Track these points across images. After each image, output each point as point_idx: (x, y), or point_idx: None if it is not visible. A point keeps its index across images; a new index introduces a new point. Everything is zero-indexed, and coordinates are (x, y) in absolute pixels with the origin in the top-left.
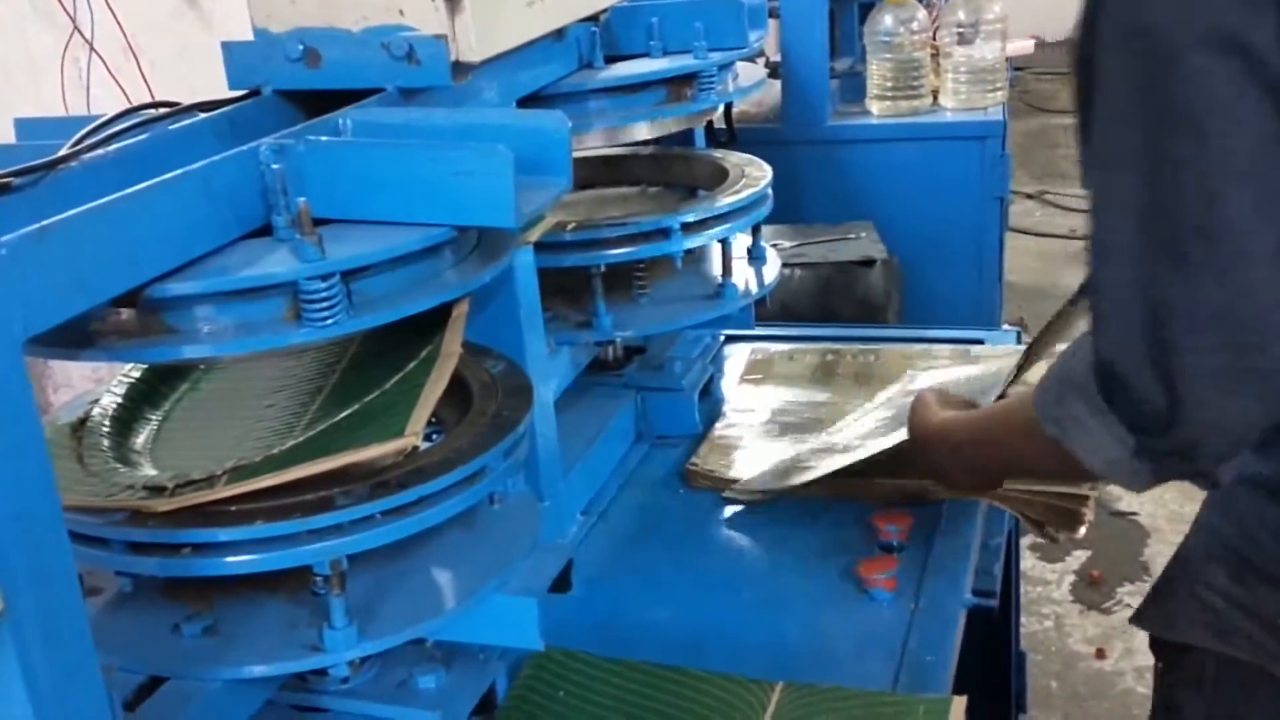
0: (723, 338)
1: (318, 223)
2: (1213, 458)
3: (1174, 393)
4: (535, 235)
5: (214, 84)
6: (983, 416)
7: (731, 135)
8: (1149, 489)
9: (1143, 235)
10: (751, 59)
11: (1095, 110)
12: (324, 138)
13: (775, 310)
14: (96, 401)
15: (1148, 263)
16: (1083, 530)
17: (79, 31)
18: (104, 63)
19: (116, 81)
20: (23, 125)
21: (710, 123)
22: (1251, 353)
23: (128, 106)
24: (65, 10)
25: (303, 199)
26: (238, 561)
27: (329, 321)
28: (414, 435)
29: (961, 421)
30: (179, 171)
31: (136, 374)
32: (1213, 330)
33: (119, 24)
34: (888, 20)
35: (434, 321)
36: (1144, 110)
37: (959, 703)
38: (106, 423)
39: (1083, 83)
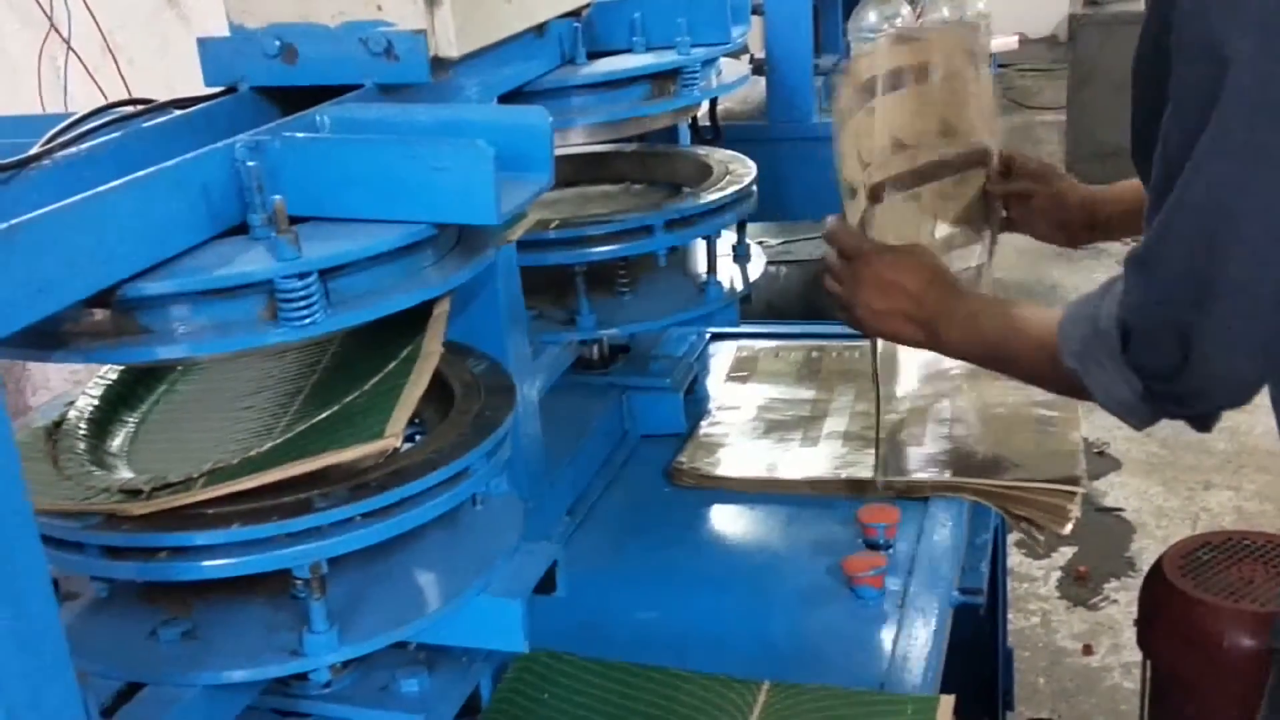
0: (708, 336)
1: (294, 220)
2: (1211, 405)
3: (1188, 348)
4: (517, 233)
5: (193, 82)
6: (996, 300)
7: (717, 132)
8: (1146, 427)
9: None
10: (735, 55)
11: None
12: (301, 134)
13: (761, 308)
14: (72, 404)
15: (1198, 241)
16: (1069, 526)
17: (56, 30)
18: (81, 61)
19: (94, 80)
20: None
21: (695, 120)
22: (1262, 318)
23: (101, 104)
24: (42, 8)
25: (279, 196)
26: (216, 565)
27: (306, 321)
28: (394, 436)
29: (969, 290)
30: (153, 169)
31: (113, 376)
32: (1236, 299)
33: (96, 22)
34: (872, 17)
35: (414, 321)
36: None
37: (947, 701)
38: (82, 425)
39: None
